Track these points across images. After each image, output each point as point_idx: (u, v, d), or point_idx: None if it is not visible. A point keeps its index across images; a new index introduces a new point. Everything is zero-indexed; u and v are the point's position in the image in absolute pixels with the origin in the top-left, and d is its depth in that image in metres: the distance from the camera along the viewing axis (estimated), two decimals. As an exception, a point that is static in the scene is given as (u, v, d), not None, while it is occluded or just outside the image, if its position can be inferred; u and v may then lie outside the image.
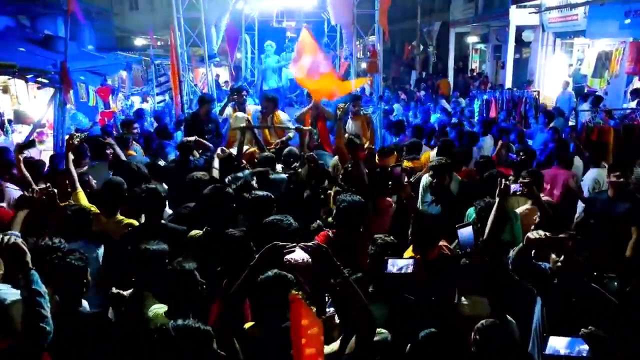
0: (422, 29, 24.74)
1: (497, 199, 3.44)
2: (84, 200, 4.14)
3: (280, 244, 2.34)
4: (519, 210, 4.34)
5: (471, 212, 4.10)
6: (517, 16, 15.84)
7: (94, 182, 4.84)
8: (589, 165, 6.15)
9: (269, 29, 14.45)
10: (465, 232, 2.97)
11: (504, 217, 3.49)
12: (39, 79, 8.51)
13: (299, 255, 2.27)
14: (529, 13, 15.12)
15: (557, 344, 2.34)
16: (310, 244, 2.33)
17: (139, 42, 23.08)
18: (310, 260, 2.27)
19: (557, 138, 7.89)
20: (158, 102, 12.97)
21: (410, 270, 2.65)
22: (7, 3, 11.16)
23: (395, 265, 2.67)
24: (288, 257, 2.28)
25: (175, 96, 9.80)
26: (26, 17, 12.09)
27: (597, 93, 11.59)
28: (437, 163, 4.52)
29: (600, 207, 5.04)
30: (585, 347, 2.31)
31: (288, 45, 13.20)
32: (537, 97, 11.95)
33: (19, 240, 2.39)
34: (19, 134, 9.68)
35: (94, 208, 4.07)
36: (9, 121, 9.69)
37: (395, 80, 23.86)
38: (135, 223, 4.01)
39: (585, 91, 12.44)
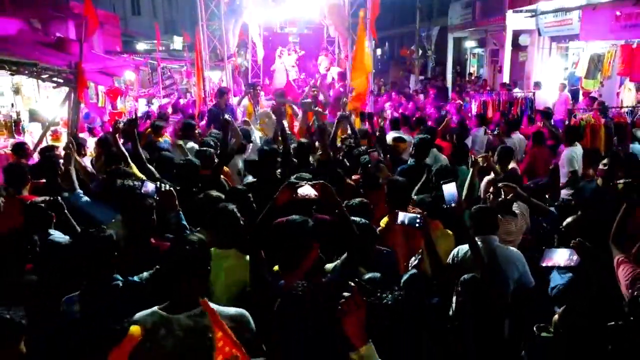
0: (421, 33, 25.14)
1: (471, 169, 4.50)
2: (137, 172, 4.66)
3: (294, 181, 2.90)
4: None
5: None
6: (514, 21, 16.20)
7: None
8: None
9: (272, 35, 14.97)
10: (449, 188, 3.24)
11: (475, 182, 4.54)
12: (55, 79, 8.86)
13: (307, 190, 2.77)
14: (525, 17, 15.51)
15: (551, 255, 2.80)
16: (316, 182, 2.84)
17: (141, 46, 23.52)
18: (315, 194, 2.77)
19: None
20: (164, 104, 13.41)
21: (417, 225, 3.01)
22: (20, 7, 11.55)
23: (405, 217, 3.04)
24: (299, 191, 2.77)
25: (198, 92, 10.98)
26: (38, 20, 12.48)
27: (591, 94, 11.98)
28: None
29: (589, 195, 5.43)
30: (576, 256, 2.74)
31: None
32: (532, 98, 12.40)
33: (171, 188, 3.36)
34: (31, 133, 10.02)
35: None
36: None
37: (395, 84, 24.26)
38: None
39: (580, 93, 12.86)
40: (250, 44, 13.78)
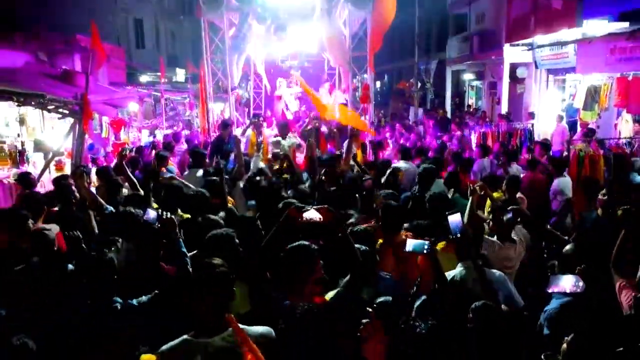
0: (420, 67, 25.55)
1: (470, 197, 4.54)
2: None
3: (299, 205, 3.05)
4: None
5: None
6: (511, 54, 16.52)
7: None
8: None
9: (274, 68, 15.28)
10: (455, 219, 3.29)
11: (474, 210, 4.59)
12: (60, 110, 9.01)
13: (312, 214, 2.85)
14: (522, 50, 15.82)
15: (557, 282, 2.87)
16: (320, 206, 2.93)
17: (145, 78, 23.91)
18: (320, 218, 2.85)
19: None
20: (168, 135, 13.55)
21: (425, 251, 3.03)
22: (29, 40, 11.82)
23: (413, 245, 3.05)
24: (305, 215, 2.86)
25: (202, 123, 11.37)
26: (45, 53, 12.76)
27: (589, 126, 12.12)
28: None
29: (589, 225, 5.47)
30: (581, 282, 2.79)
31: None
32: (531, 129, 12.56)
33: (173, 217, 3.38)
34: (34, 164, 10.12)
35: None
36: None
37: (394, 116, 24.53)
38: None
39: (578, 124, 13.02)
40: (252, 76, 14.06)
